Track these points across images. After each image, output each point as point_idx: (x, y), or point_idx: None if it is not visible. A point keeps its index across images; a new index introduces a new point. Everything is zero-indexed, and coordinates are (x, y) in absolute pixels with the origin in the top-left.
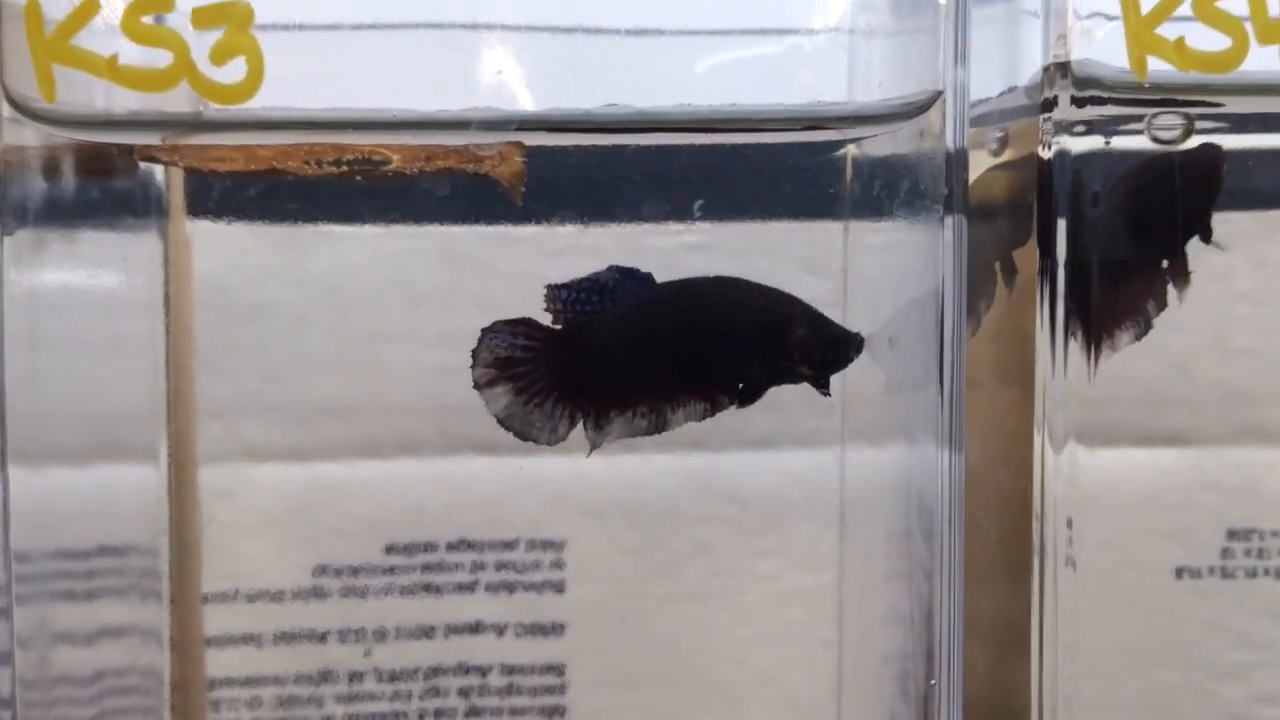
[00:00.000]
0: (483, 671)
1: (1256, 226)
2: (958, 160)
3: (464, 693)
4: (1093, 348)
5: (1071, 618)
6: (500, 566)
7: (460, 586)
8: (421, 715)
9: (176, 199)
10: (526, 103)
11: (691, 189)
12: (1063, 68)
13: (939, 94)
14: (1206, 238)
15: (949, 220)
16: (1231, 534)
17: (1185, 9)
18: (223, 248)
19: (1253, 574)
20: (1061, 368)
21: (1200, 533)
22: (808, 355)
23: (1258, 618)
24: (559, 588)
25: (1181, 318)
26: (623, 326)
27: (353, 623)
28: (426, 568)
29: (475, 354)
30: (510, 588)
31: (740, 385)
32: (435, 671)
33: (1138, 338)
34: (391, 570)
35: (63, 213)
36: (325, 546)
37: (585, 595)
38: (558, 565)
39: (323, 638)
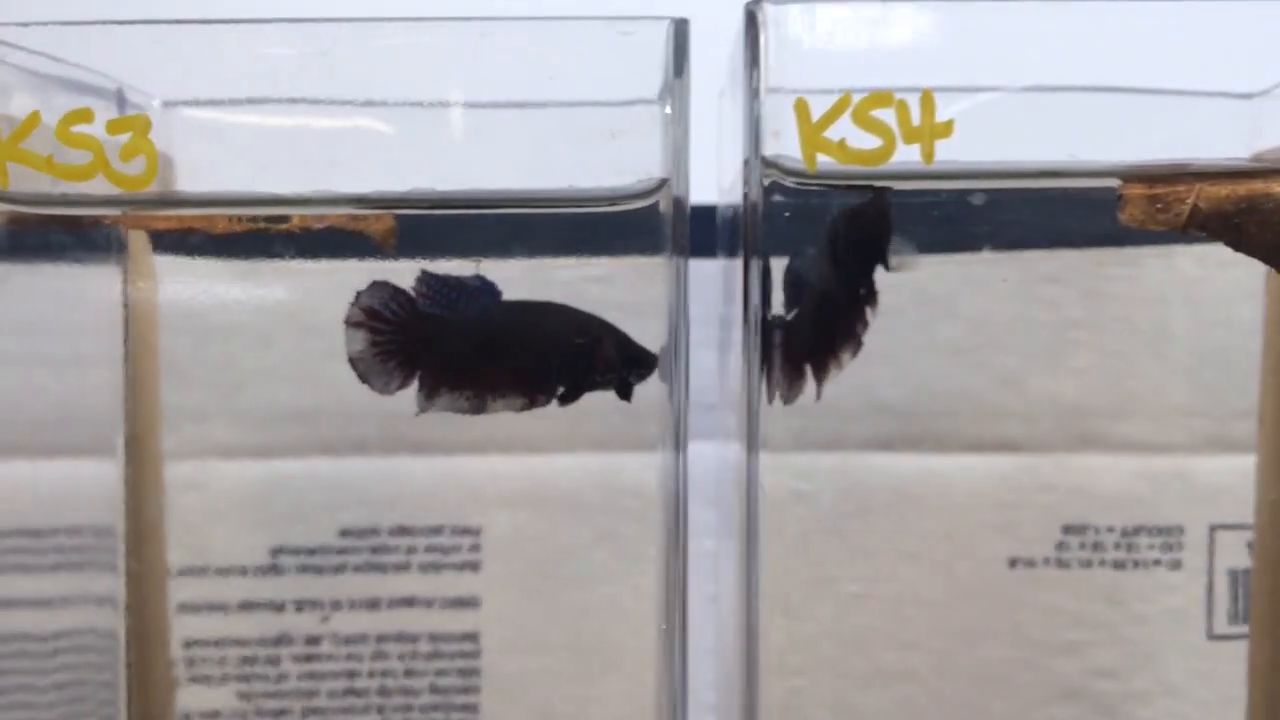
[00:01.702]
0: (414, 639)
1: (1085, 262)
2: (677, 218)
3: (402, 657)
4: (823, 368)
5: (901, 601)
6: (429, 549)
7: (398, 566)
8: (370, 674)
9: (140, 239)
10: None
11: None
12: (763, 160)
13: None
14: (886, 266)
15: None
16: (1067, 529)
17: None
18: (193, 278)
19: (1088, 564)
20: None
21: (1035, 527)
22: (612, 368)
23: (1093, 602)
24: (475, 567)
25: (1011, 342)
26: (468, 322)
27: (308, 595)
28: (374, 549)
29: (357, 296)
30: (437, 568)
31: (560, 389)
32: (382, 638)
33: (854, 355)
34: (344, 551)
35: (27, 251)
36: (283, 530)
37: (498, 574)
38: (475, 548)
39: (280, 608)
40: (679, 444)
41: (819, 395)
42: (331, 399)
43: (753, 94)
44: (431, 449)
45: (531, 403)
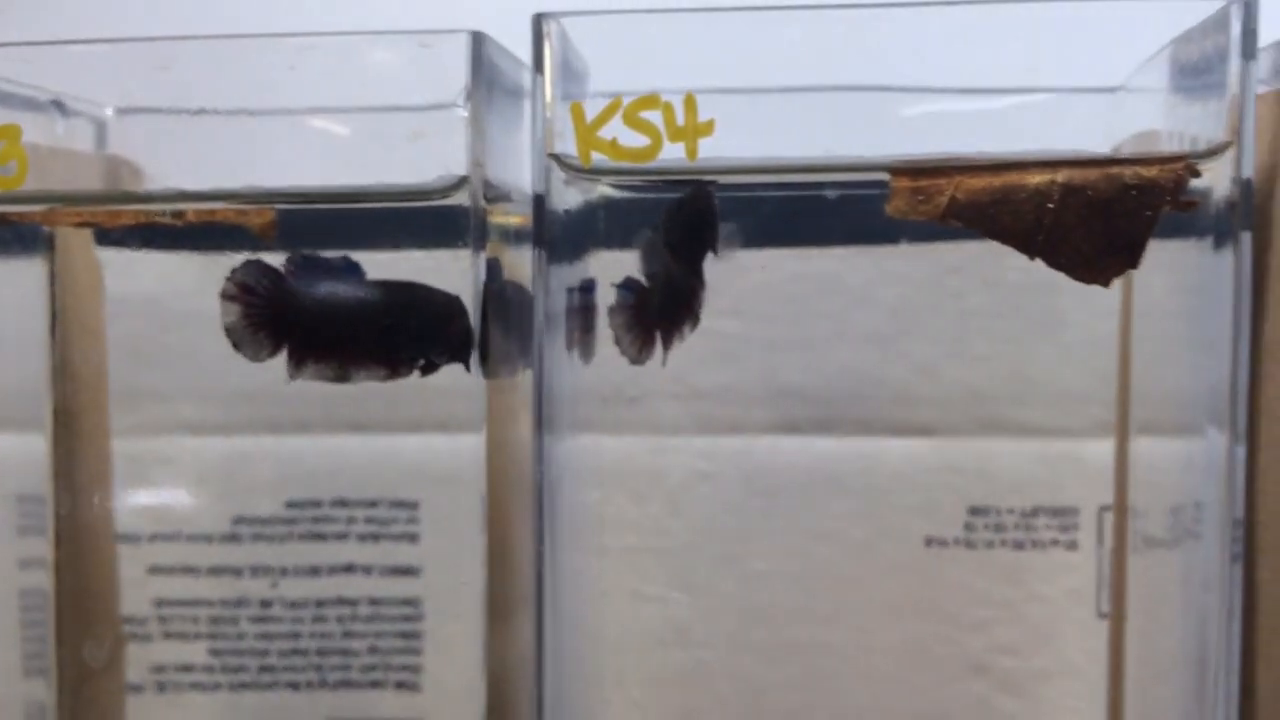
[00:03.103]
0: (354, 603)
1: (986, 253)
2: (475, 215)
3: (340, 620)
4: (668, 337)
5: (824, 579)
6: (368, 520)
7: (339, 536)
8: (311, 635)
9: (81, 235)
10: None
11: None
12: (554, 156)
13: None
14: (715, 252)
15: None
16: (973, 510)
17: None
18: (153, 270)
19: (990, 545)
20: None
21: (946, 509)
22: (466, 345)
23: (997, 581)
24: (414, 539)
25: (925, 329)
26: (333, 298)
27: (262, 561)
28: (315, 520)
29: (233, 272)
30: (376, 538)
31: (421, 362)
32: (321, 603)
33: (693, 328)
34: (291, 521)
35: None
36: (241, 501)
37: (435, 546)
38: (413, 521)
39: (239, 573)
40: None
41: (664, 361)
42: (279, 381)
43: (539, 98)
44: (371, 428)
45: (393, 373)
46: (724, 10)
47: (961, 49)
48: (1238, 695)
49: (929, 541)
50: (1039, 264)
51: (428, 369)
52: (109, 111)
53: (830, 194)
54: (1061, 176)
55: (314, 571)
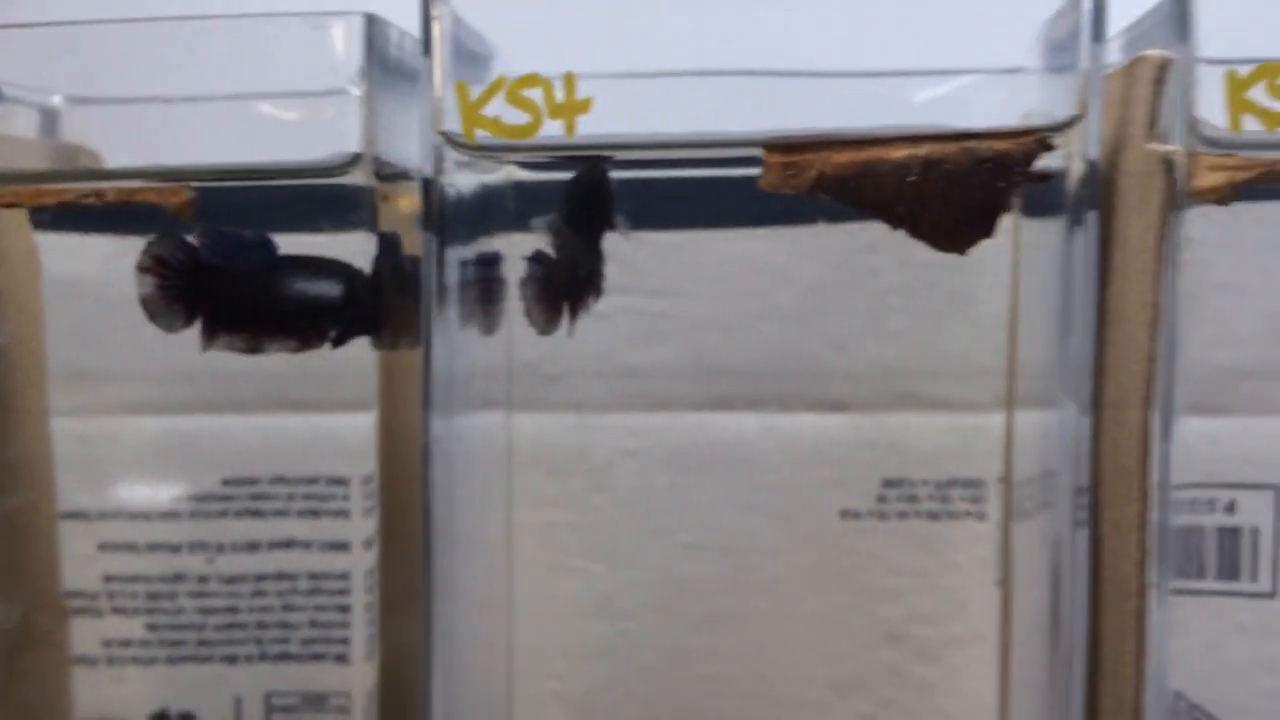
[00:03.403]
0: (294, 578)
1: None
2: (366, 195)
3: (280, 594)
4: (573, 312)
5: (746, 552)
6: (307, 497)
7: (278, 512)
8: (250, 610)
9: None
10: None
11: None
12: (444, 134)
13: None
14: (613, 229)
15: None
16: (887, 483)
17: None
18: (96, 253)
19: (904, 516)
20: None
21: (860, 482)
22: (372, 319)
23: (912, 552)
24: (346, 514)
25: (841, 307)
26: (244, 272)
27: (199, 538)
28: (254, 497)
29: (149, 245)
30: (315, 514)
31: (333, 334)
32: (261, 577)
33: (596, 300)
34: (228, 498)
35: None
36: (181, 479)
37: (366, 522)
38: (345, 498)
39: (177, 549)
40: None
41: (570, 332)
42: (219, 361)
43: (429, 77)
44: (307, 407)
45: (304, 345)
46: None
47: (880, 32)
48: (1085, 650)
49: (844, 514)
50: None
51: (338, 341)
52: (57, 99)
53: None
54: (922, 151)
55: (253, 547)
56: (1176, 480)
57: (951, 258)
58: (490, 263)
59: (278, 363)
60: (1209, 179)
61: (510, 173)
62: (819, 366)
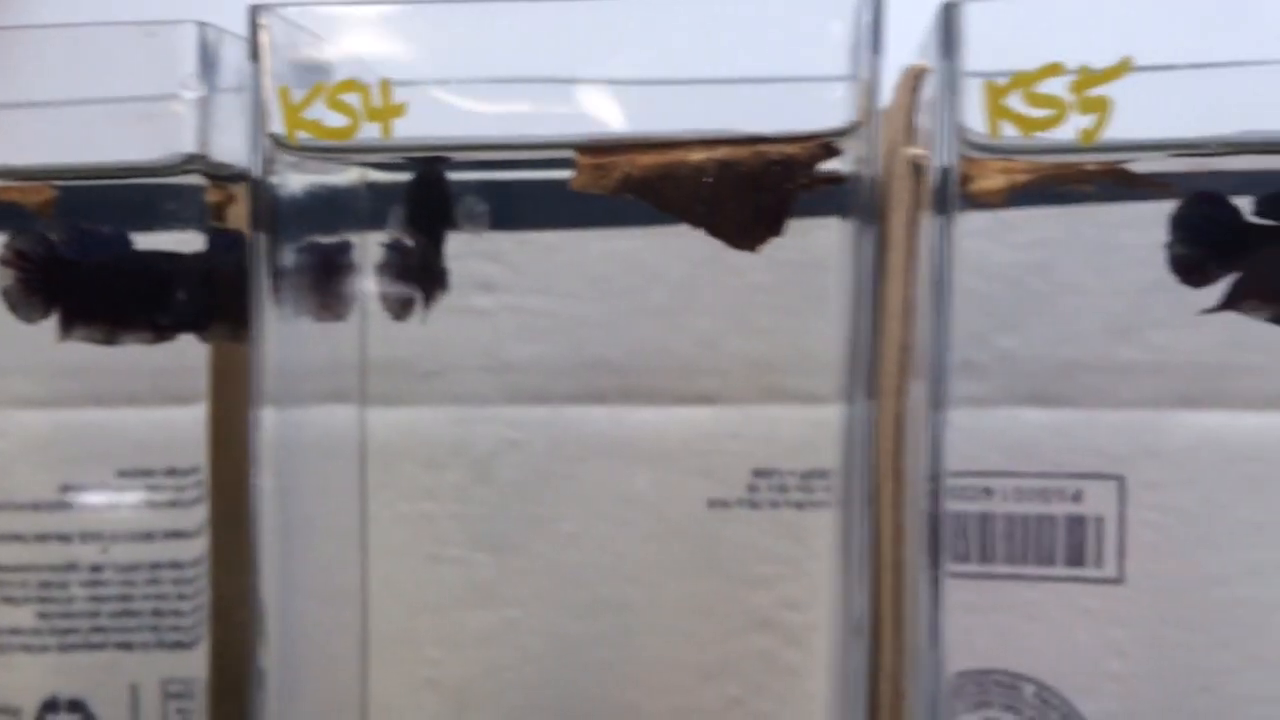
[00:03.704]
0: (182, 566)
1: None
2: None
3: (175, 582)
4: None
5: (623, 540)
6: (174, 489)
7: (169, 503)
8: (145, 598)
9: None
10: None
11: None
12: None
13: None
14: (454, 227)
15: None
16: (757, 473)
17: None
18: None
19: (775, 505)
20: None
21: (730, 472)
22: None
23: (781, 540)
24: (184, 505)
25: (709, 304)
26: (100, 266)
27: (90, 528)
28: (149, 488)
29: (10, 239)
30: (154, 505)
31: (181, 326)
32: (156, 565)
33: (443, 290)
34: (123, 490)
35: None
36: (69, 471)
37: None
38: (198, 485)
39: (68, 539)
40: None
41: (425, 320)
42: (105, 356)
43: (257, 83)
44: (188, 400)
45: (159, 337)
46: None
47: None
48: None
49: (713, 503)
50: (808, 242)
51: (192, 330)
52: None
53: None
54: (718, 154)
55: (148, 537)
56: (1027, 469)
57: (814, 257)
58: (338, 254)
59: (126, 357)
60: (991, 183)
61: (364, 173)
62: (689, 361)
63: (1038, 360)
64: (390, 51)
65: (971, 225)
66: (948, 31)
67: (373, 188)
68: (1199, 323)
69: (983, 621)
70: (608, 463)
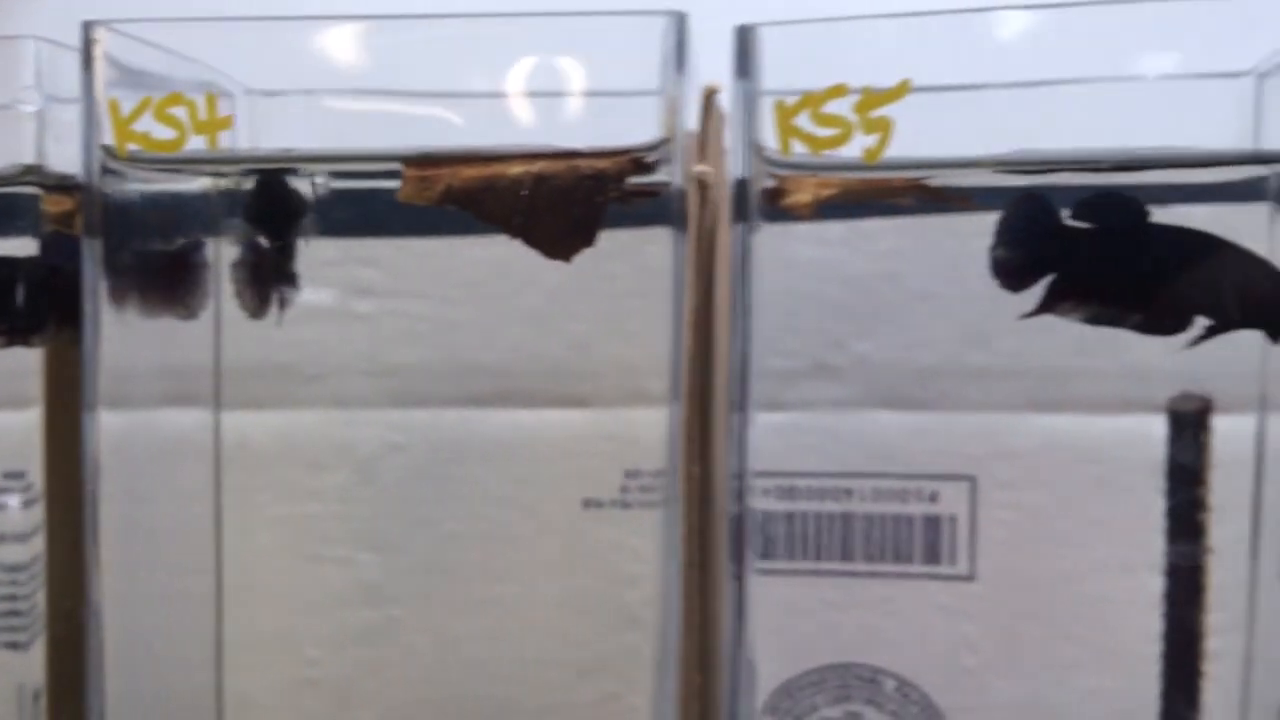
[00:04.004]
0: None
1: (634, 240)
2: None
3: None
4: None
5: (501, 540)
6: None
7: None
8: (26, 596)
9: None
10: None
11: None
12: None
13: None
14: (300, 233)
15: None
16: (629, 474)
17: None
18: None
19: (645, 505)
20: None
21: (603, 473)
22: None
23: (649, 538)
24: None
25: (581, 309)
26: None
27: None
28: (25, 488)
29: None
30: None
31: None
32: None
33: (294, 289)
34: (5, 491)
35: None
36: None
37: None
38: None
39: None
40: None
41: (280, 321)
42: None
43: (89, 96)
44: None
45: (10, 341)
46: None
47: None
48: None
49: (587, 503)
50: (668, 250)
51: (34, 336)
52: None
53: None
54: (535, 168)
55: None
56: (885, 470)
57: (670, 263)
58: (190, 255)
59: None
60: (800, 196)
61: (216, 182)
62: (562, 365)
63: (893, 365)
64: (232, 65)
65: (828, 234)
66: (742, 53)
67: (224, 194)
68: (1046, 329)
69: (844, 617)
70: (486, 464)
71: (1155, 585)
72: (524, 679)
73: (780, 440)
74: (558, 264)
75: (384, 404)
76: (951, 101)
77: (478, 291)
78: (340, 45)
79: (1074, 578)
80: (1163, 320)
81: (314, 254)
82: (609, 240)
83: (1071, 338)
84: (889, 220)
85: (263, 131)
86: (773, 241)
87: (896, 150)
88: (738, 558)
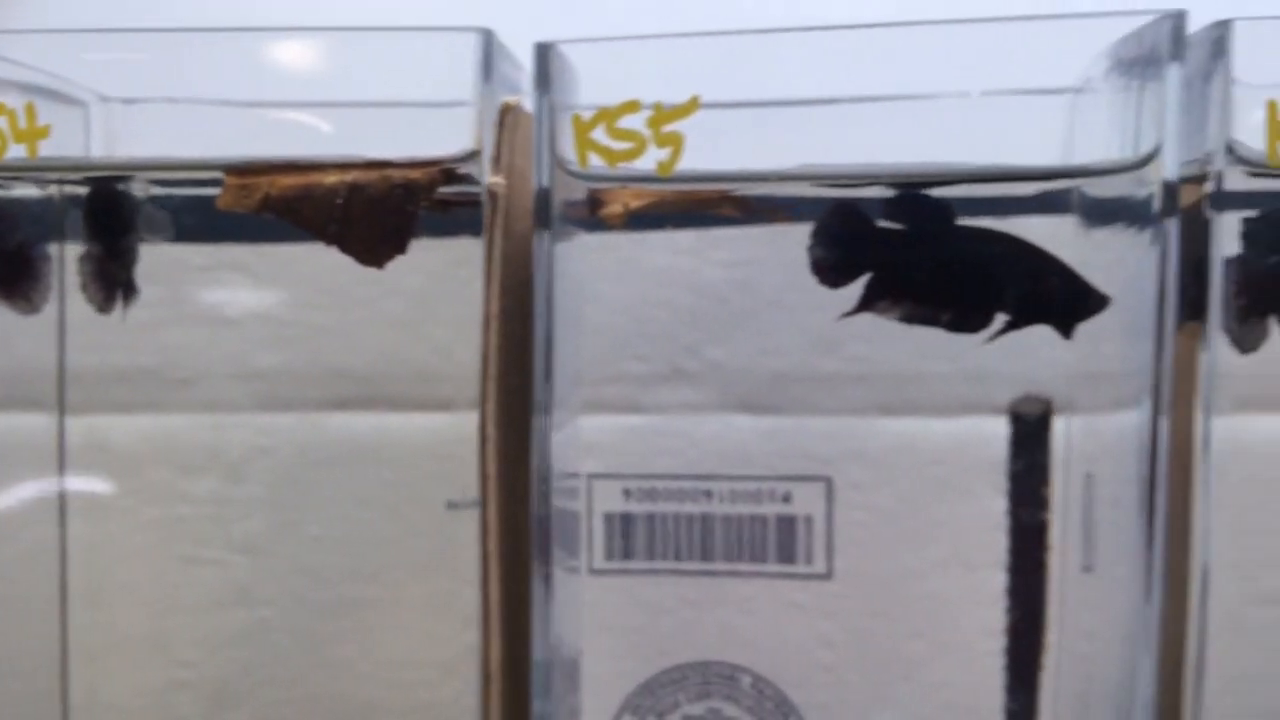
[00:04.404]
0: None
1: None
2: None
3: None
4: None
5: (367, 542)
6: None
7: None
8: None
9: None
10: None
11: None
12: None
13: None
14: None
15: None
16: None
17: None
18: None
19: None
20: None
21: (466, 475)
22: None
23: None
24: None
25: (443, 314)
26: None
27: None
28: None
29: None
30: None
31: None
32: None
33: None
34: None
35: None
36: None
37: None
38: None
39: None
40: None
41: (124, 317)
42: None
43: None
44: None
45: None
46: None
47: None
48: None
49: (449, 505)
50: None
51: None
52: None
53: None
54: (350, 177)
55: None
56: (741, 473)
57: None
58: (28, 250)
59: None
60: (613, 207)
61: (61, 188)
62: (426, 369)
63: (746, 371)
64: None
65: (679, 243)
66: (542, 68)
67: (67, 198)
68: (894, 335)
69: (703, 616)
70: (352, 467)
71: (998, 582)
72: (390, 679)
73: (639, 443)
74: (419, 270)
75: (252, 408)
76: (760, 118)
77: (343, 297)
78: (201, 56)
79: (919, 575)
80: (969, 317)
81: (182, 259)
82: (472, 247)
83: (916, 343)
84: (739, 230)
85: (123, 140)
86: (629, 249)
87: (719, 164)
88: (544, 558)
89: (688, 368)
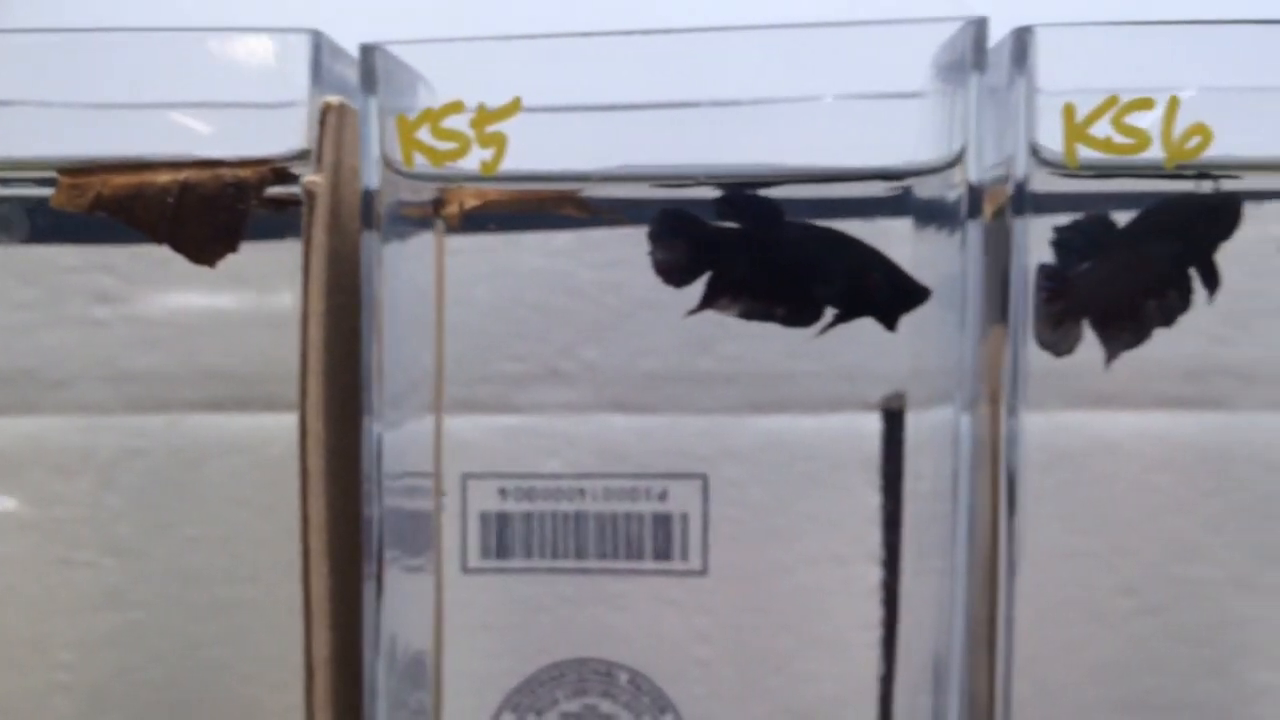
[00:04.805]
0: None
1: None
2: None
3: None
4: None
5: (242, 543)
6: None
7: None
8: None
9: None
10: None
11: None
12: None
13: None
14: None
15: None
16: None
17: None
18: None
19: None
20: None
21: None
22: None
23: None
24: None
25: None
26: None
27: None
28: None
29: None
30: None
31: None
32: None
33: None
34: None
35: None
36: None
37: None
38: None
39: None
40: None
41: None
42: None
43: None
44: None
45: None
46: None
47: None
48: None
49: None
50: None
51: None
52: None
53: None
54: (182, 176)
55: None
56: (616, 471)
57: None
58: None
59: None
60: (450, 208)
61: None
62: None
63: (621, 370)
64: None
65: (555, 245)
66: (367, 70)
67: None
68: (764, 335)
69: (580, 613)
70: (225, 468)
71: (873, 576)
72: (264, 679)
73: (515, 443)
74: (296, 269)
75: (124, 409)
76: (594, 121)
77: (215, 297)
78: (35, 57)
79: (789, 570)
80: (801, 312)
81: (53, 260)
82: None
83: (787, 342)
84: (612, 231)
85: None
86: (504, 251)
87: (558, 165)
88: (374, 558)
89: (563, 368)
